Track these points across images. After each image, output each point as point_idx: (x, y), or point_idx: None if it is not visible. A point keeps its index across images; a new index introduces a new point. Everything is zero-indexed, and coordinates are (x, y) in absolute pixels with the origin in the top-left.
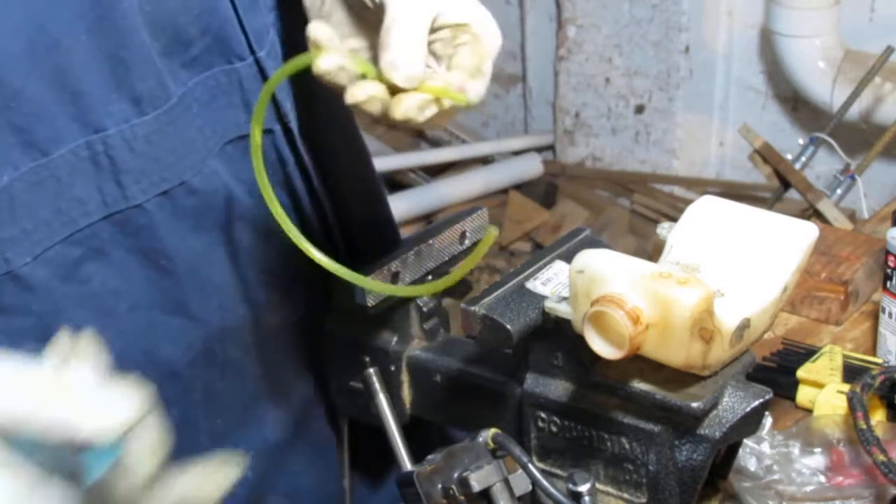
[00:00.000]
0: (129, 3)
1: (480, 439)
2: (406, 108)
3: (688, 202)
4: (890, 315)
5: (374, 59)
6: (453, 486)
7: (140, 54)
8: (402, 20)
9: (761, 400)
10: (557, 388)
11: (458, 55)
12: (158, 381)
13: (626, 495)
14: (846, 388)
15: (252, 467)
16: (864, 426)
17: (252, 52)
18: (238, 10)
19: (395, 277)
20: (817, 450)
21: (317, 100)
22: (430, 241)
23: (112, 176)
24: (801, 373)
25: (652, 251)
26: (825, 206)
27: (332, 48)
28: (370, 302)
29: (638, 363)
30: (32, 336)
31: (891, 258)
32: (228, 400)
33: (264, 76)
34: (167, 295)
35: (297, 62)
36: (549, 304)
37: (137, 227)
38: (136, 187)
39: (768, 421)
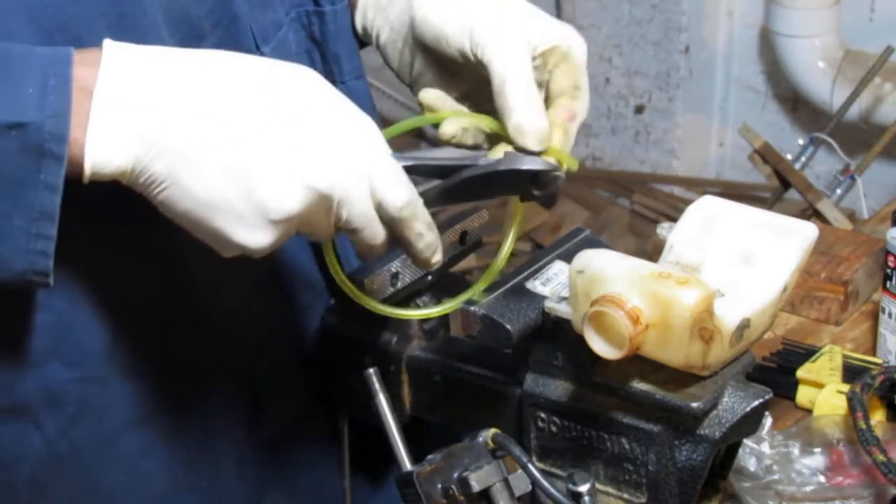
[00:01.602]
0: (150, 2)
1: (480, 439)
2: None
3: (688, 202)
4: (890, 315)
5: (473, 109)
6: (453, 486)
7: None
8: (514, 78)
9: (761, 400)
10: (557, 388)
11: (554, 80)
12: (176, 384)
13: (625, 495)
14: (846, 388)
15: (252, 467)
16: (864, 426)
17: (257, 46)
18: (247, 4)
19: (394, 277)
20: (817, 450)
21: None
22: None
23: None
24: (801, 373)
25: (652, 251)
26: (825, 206)
27: (447, 110)
28: None
29: (638, 363)
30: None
31: (891, 258)
32: (240, 403)
33: None
34: (180, 295)
35: (413, 122)
36: (549, 304)
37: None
38: None
39: (768, 421)
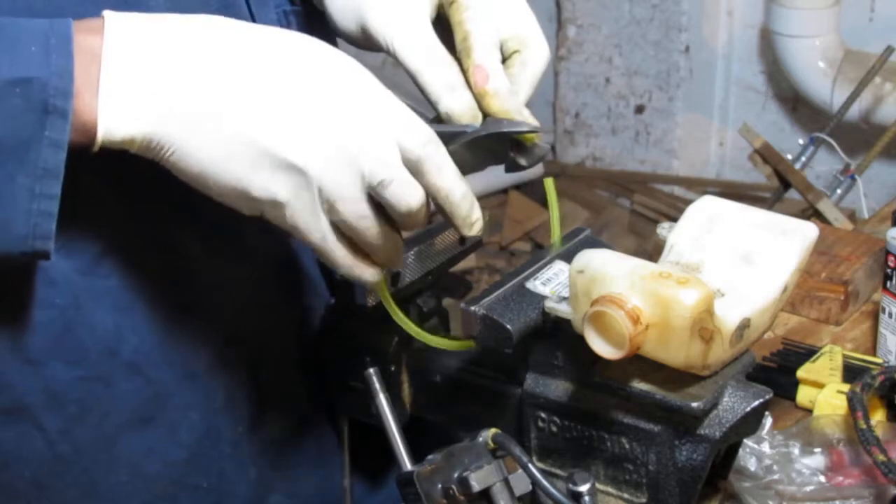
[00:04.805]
0: (155, 2)
1: (480, 439)
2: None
3: (688, 202)
4: (890, 315)
5: None
6: (453, 486)
7: None
8: (421, 70)
9: (761, 400)
10: (557, 388)
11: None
12: (178, 384)
13: (626, 495)
14: (846, 388)
15: (253, 467)
16: (864, 426)
17: None
18: (251, 5)
19: (395, 278)
20: (817, 450)
21: None
22: (431, 241)
23: None
24: (801, 373)
25: (652, 251)
26: (825, 206)
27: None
28: (370, 302)
29: (638, 363)
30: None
31: (891, 258)
32: (242, 404)
33: None
34: (181, 294)
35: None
36: (549, 304)
37: (158, 223)
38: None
39: (768, 421)
